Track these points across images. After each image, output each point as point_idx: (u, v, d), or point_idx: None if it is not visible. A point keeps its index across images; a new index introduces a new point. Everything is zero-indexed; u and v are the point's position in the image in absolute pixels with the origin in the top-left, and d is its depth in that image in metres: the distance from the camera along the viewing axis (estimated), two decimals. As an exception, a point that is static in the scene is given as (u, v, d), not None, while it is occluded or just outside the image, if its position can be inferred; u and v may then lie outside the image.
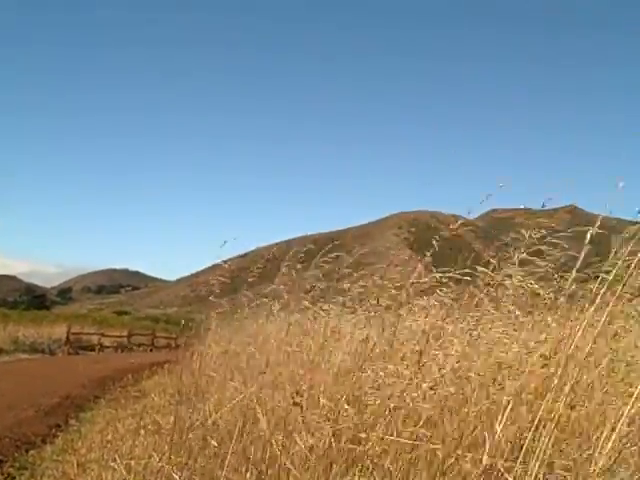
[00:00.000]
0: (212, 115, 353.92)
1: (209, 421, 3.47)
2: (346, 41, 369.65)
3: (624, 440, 2.57)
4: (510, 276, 3.43)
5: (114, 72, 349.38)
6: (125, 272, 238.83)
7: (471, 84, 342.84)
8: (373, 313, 4.05)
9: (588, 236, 2.98)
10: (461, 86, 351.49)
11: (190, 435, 3.58)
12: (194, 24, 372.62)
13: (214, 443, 3.32)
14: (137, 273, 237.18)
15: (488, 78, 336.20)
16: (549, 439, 2.48)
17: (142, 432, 5.39)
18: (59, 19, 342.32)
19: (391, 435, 2.88)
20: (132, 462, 3.87)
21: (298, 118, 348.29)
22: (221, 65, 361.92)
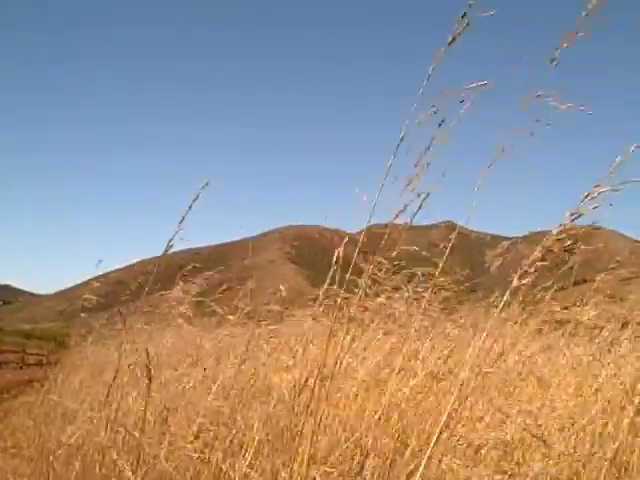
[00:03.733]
0: (85, 118, 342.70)
1: (72, 441, 3.26)
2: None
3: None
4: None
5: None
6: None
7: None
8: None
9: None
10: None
11: (52, 458, 3.36)
12: None
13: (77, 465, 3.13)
14: (7, 287, 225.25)
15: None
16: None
17: (1, 455, 5.03)
18: None
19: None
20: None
21: (182, 121, 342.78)
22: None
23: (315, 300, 3.68)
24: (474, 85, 2.31)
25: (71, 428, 3.49)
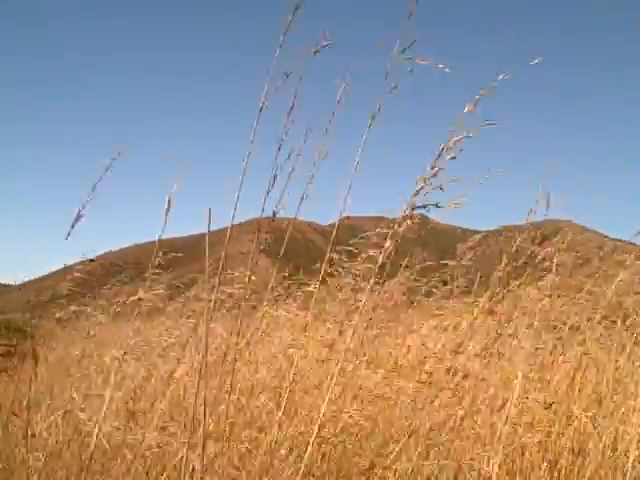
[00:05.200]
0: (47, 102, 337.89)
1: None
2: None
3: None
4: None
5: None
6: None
7: None
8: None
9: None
10: None
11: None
12: None
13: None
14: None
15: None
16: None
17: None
18: None
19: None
20: None
21: (144, 113, 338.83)
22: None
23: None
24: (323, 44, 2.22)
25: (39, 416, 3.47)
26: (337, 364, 2.45)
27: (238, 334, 2.58)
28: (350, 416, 2.94)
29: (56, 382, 5.07)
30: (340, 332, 3.37)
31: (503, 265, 3.17)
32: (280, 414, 2.63)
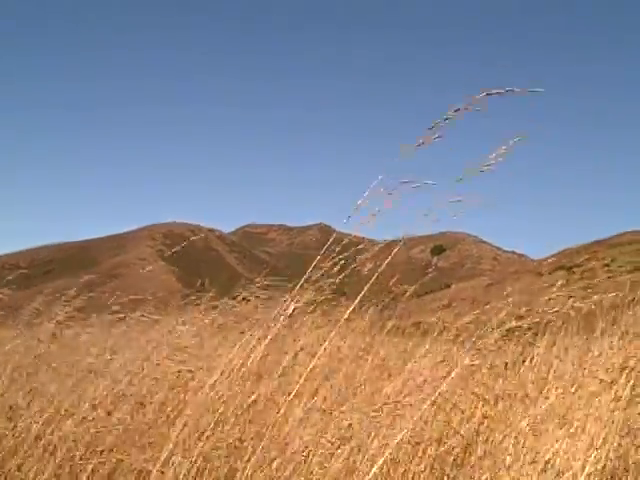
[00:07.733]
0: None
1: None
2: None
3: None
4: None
5: None
6: None
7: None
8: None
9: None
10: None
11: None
12: None
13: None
14: None
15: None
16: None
17: None
18: None
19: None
20: None
21: (44, 122, 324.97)
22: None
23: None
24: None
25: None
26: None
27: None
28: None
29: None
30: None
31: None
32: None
